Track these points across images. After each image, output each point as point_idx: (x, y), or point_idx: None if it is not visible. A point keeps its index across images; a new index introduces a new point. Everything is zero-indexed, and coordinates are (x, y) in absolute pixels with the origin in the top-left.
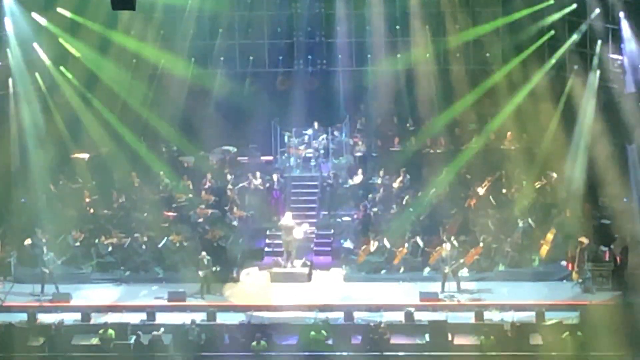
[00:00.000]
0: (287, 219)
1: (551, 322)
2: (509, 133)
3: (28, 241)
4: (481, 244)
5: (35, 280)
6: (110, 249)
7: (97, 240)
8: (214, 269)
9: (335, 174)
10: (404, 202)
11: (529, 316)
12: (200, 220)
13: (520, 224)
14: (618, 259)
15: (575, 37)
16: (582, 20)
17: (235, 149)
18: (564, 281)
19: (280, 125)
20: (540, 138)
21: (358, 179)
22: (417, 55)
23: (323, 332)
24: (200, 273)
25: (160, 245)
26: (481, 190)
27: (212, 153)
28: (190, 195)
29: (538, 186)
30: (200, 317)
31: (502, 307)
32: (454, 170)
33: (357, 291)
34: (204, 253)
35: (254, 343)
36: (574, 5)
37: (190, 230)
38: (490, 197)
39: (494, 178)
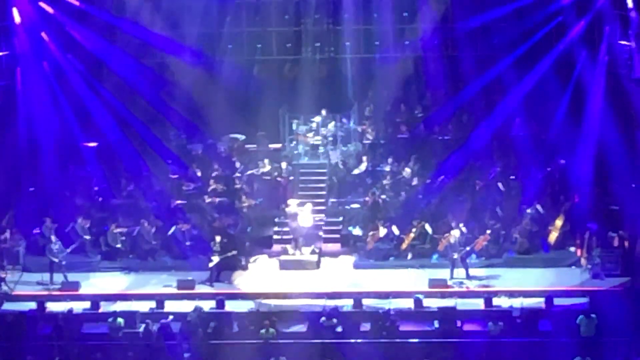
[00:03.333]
0: (292, 206)
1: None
2: (517, 119)
3: (37, 230)
4: (489, 231)
5: (44, 269)
6: (119, 237)
7: (105, 229)
8: (230, 253)
9: (343, 161)
10: (413, 189)
11: (537, 302)
12: (209, 208)
13: (529, 211)
14: (627, 244)
15: (583, 22)
16: (590, 5)
17: (243, 137)
18: (573, 267)
19: (289, 113)
20: (548, 124)
21: (366, 166)
22: (424, 41)
23: (333, 319)
24: (214, 258)
25: (169, 234)
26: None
27: (221, 141)
28: (199, 184)
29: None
30: (209, 305)
31: (511, 294)
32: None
33: (366, 278)
34: (217, 238)
35: (263, 331)
36: None
37: (199, 218)
38: (499, 183)
39: (502, 165)
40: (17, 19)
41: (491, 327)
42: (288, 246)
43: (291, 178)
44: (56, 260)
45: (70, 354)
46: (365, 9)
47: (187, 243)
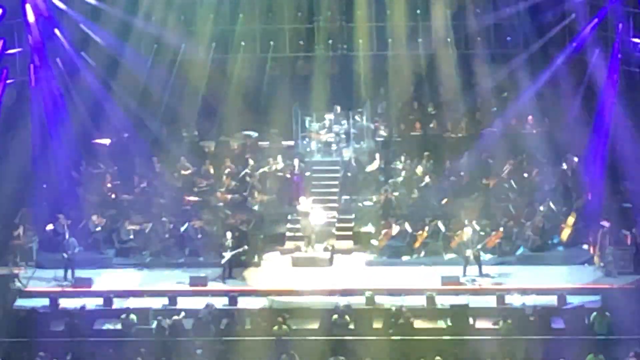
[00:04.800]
0: (304, 203)
1: (572, 306)
2: (529, 117)
3: (50, 226)
4: (502, 228)
5: (57, 266)
6: (132, 234)
7: (118, 225)
8: (241, 249)
9: (356, 158)
10: (425, 186)
11: (550, 300)
12: (222, 205)
13: (542, 208)
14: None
15: (596, 20)
16: (603, 3)
17: (256, 134)
18: (586, 265)
19: (301, 110)
20: (561, 122)
21: (379, 163)
22: (438, 39)
23: (345, 317)
24: (225, 255)
25: (182, 230)
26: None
27: (233, 138)
28: (212, 180)
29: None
30: (221, 301)
31: (524, 291)
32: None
33: (379, 276)
34: (228, 234)
35: (276, 327)
36: None
37: (212, 215)
38: (512, 181)
39: (515, 162)
40: (30, 16)
41: (501, 326)
42: (300, 243)
43: (307, 173)
44: (66, 256)
45: (83, 351)
46: (378, 6)
47: (200, 240)
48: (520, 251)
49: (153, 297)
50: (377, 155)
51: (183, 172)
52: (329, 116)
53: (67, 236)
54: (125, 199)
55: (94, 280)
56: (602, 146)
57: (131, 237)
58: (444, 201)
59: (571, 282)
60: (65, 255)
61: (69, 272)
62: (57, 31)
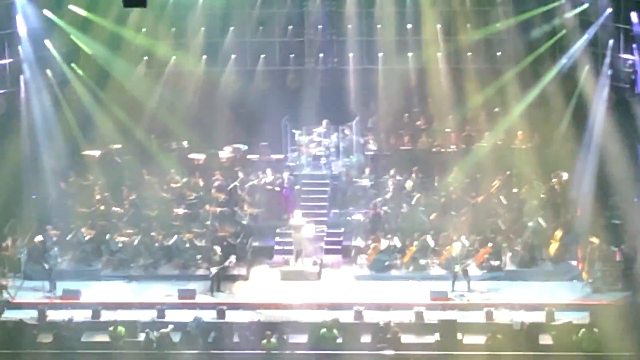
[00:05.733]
0: (297, 217)
1: (561, 322)
2: (519, 132)
3: (39, 238)
4: (491, 244)
5: (46, 277)
6: (120, 246)
7: (107, 237)
8: (228, 262)
9: (345, 172)
10: (415, 201)
11: (538, 316)
12: (211, 217)
13: (531, 224)
14: (628, 259)
15: (586, 36)
16: (593, 19)
17: (245, 147)
18: (574, 281)
19: (291, 123)
20: (551, 137)
21: (368, 177)
22: (428, 54)
23: (334, 331)
24: (212, 269)
25: (170, 243)
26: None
27: (223, 150)
28: (201, 193)
29: (547, 187)
30: (210, 314)
31: (512, 307)
32: (465, 169)
33: (367, 290)
34: (216, 248)
35: (264, 341)
36: (586, 5)
37: (201, 227)
38: (501, 196)
39: (504, 178)
40: (21, 27)
41: (489, 341)
42: (289, 257)
43: (297, 187)
44: (47, 266)
45: None
46: (368, 20)
47: (188, 253)
48: (509, 267)
49: (141, 309)
50: (367, 170)
51: (172, 184)
52: (319, 130)
53: (51, 247)
54: (115, 211)
55: (82, 292)
56: (591, 162)
57: (120, 248)
58: (432, 216)
59: (560, 298)
60: (46, 266)
61: (58, 283)
62: (47, 42)
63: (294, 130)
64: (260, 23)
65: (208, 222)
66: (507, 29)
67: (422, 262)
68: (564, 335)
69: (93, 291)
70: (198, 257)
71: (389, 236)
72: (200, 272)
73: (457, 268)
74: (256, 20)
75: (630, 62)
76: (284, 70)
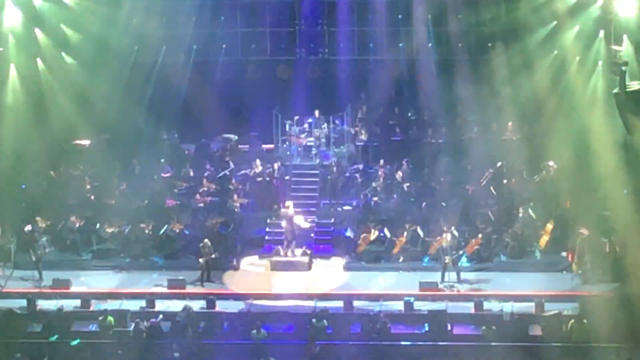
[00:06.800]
0: (288, 207)
1: (550, 313)
2: (510, 123)
3: (28, 227)
4: (481, 234)
5: (34, 267)
6: (110, 236)
7: (97, 227)
8: (213, 256)
9: (336, 162)
10: (405, 192)
11: (528, 307)
12: (201, 207)
13: (521, 215)
14: (618, 250)
15: (577, 27)
16: (584, 10)
17: (236, 137)
18: (564, 272)
19: (282, 114)
20: (541, 129)
21: (359, 167)
22: (419, 44)
23: (323, 321)
24: (201, 260)
25: (160, 233)
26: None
27: (214, 141)
28: (191, 183)
29: (536, 179)
30: (199, 304)
31: (502, 298)
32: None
33: (357, 280)
34: (206, 240)
35: (254, 331)
36: None
37: (191, 217)
38: (491, 187)
39: (495, 169)
40: (12, 15)
41: (485, 331)
42: (279, 247)
43: (287, 177)
44: (34, 257)
45: (60, 352)
46: (359, 10)
47: (178, 243)
48: (499, 258)
49: (131, 299)
50: (361, 159)
51: (163, 174)
52: (309, 120)
53: (40, 237)
54: (104, 201)
55: (72, 282)
56: (581, 152)
57: (110, 237)
58: (422, 206)
59: (549, 289)
60: (34, 256)
61: (46, 273)
62: (38, 30)
63: (284, 121)
64: (251, 13)
65: (198, 213)
66: (498, 19)
67: (412, 252)
68: (553, 326)
69: (83, 281)
70: (188, 247)
71: (379, 227)
72: (190, 262)
73: (447, 259)
74: (247, 10)
75: (620, 53)
76: (275, 60)
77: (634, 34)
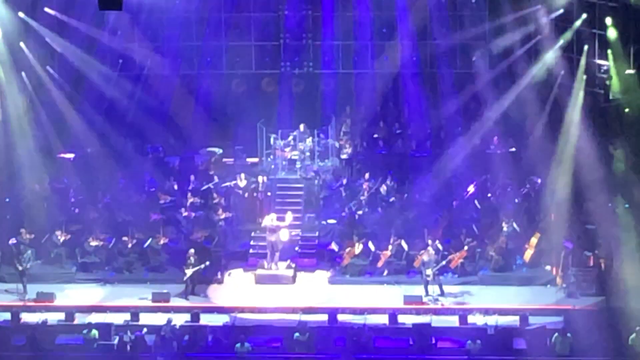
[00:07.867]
0: (271, 220)
1: (535, 326)
2: (495, 137)
3: (12, 240)
4: (466, 248)
5: (19, 280)
6: (94, 249)
7: (82, 240)
8: (203, 265)
9: (321, 176)
10: (389, 205)
11: (512, 320)
12: (185, 220)
13: (505, 228)
14: (602, 264)
15: (561, 42)
16: (568, 25)
17: (221, 150)
18: (548, 286)
19: (266, 127)
20: (526, 143)
21: (343, 181)
22: (403, 58)
23: (307, 334)
24: (187, 271)
25: (144, 246)
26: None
27: (198, 154)
28: (176, 197)
29: (521, 193)
30: (184, 318)
31: (486, 311)
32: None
33: (341, 294)
34: (192, 251)
35: (238, 345)
36: (561, 10)
37: (175, 231)
38: (475, 200)
39: (479, 182)
40: None
41: (470, 345)
42: (264, 260)
43: (269, 194)
44: (20, 268)
45: None
46: (344, 24)
47: (163, 256)
48: (483, 271)
49: (115, 312)
50: (345, 173)
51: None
52: (294, 133)
53: (24, 250)
54: (89, 214)
55: (56, 295)
56: (566, 167)
57: (94, 251)
58: (408, 218)
59: (533, 303)
60: (19, 267)
61: (30, 286)
62: (22, 45)
63: (269, 134)
64: (235, 26)
65: (183, 226)
66: (482, 33)
67: (397, 265)
68: (537, 339)
69: (67, 294)
70: (172, 260)
71: (363, 240)
72: (175, 275)
73: (430, 272)
74: (232, 23)
75: (604, 67)
76: (260, 74)
77: (616, 48)
